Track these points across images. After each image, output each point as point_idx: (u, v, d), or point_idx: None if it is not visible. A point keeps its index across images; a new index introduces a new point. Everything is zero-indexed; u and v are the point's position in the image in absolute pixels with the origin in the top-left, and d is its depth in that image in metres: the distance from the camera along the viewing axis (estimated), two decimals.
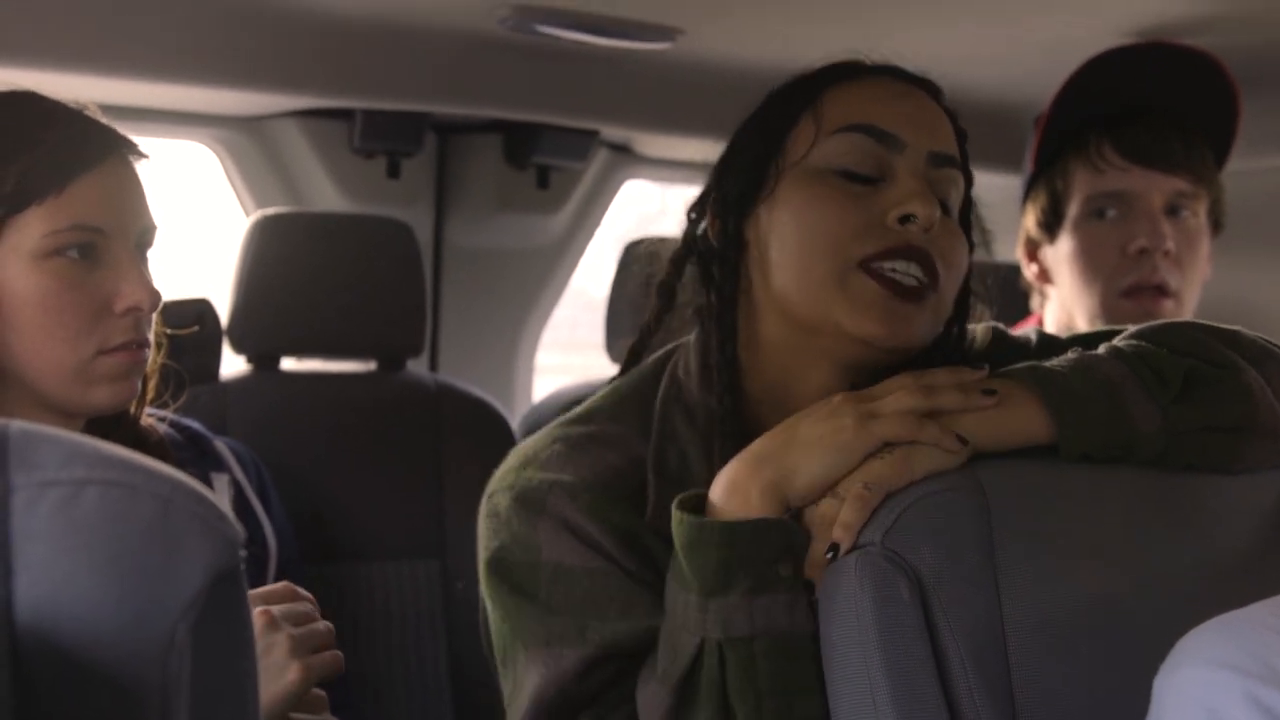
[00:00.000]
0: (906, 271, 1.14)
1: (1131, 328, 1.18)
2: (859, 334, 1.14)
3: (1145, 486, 1.10)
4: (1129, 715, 0.94)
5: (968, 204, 1.24)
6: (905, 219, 1.14)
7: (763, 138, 1.21)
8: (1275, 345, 1.18)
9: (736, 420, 1.18)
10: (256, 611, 1.18)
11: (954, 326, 1.25)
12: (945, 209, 1.18)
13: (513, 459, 1.22)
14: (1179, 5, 1.73)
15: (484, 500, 1.21)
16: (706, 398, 1.20)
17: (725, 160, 1.25)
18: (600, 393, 1.27)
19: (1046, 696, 1.02)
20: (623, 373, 1.30)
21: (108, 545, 0.60)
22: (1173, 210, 1.75)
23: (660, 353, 1.29)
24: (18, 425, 0.63)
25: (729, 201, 1.22)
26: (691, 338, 1.25)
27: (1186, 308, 1.77)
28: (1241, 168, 1.80)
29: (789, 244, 1.17)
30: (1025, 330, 1.33)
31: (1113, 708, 1.00)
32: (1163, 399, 1.09)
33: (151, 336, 1.35)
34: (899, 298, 1.14)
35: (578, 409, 1.25)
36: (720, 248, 1.21)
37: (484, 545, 1.19)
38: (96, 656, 0.61)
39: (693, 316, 1.26)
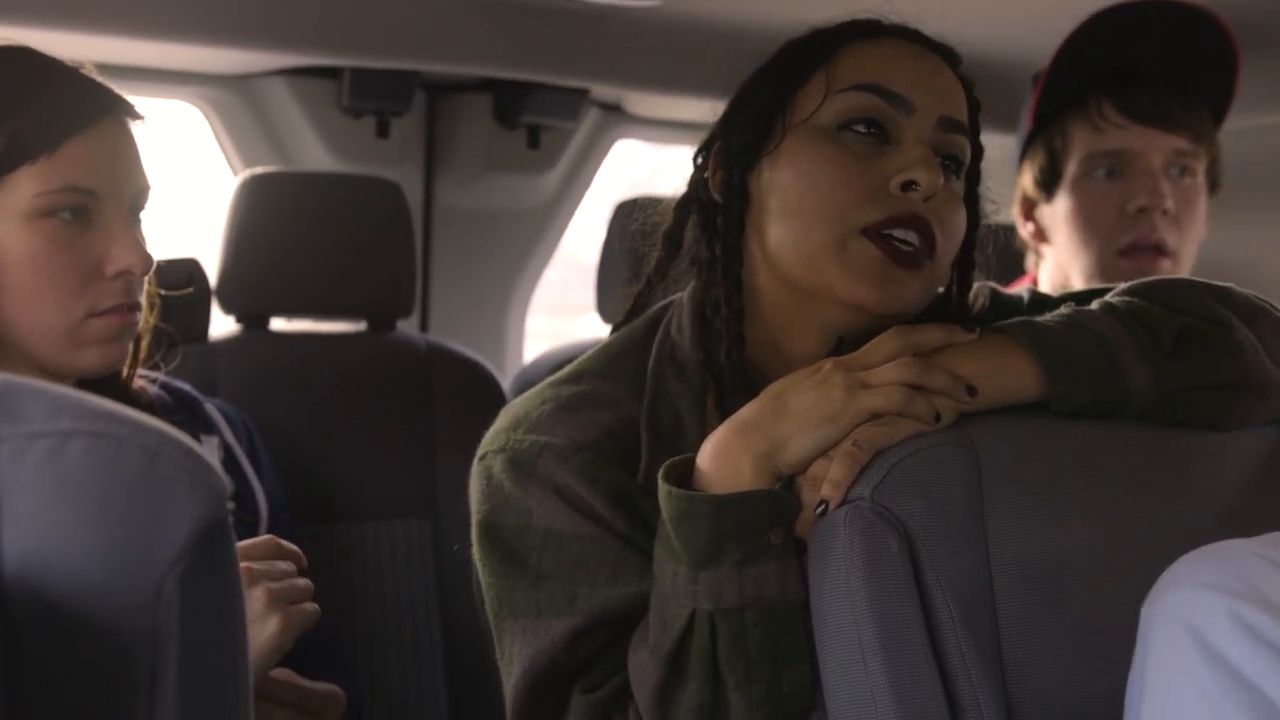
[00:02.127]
0: (905, 239, 1.14)
1: (1124, 285, 1.18)
2: (852, 298, 1.14)
3: (1136, 442, 1.11)
4: (1116, 667, 0.95)
5: (974, 175, 1.23)
6: (907, 185, 1.14)
7: (772, 90, 1.20)
8: (1267, 302, 1.18)
9: (742, 373, 1.18)
10: (240, 568, 1.19)
11: (951, 292, 1.25)
12: (948, 174, 1.18)
13: (503, 420, 1.22)
14: None
15: (475, 462, 1.22)
16: (699, 354, 1.21)
17: (733, 109, 1.24)
18: (591, 351, 1.27)
19: (1034, 650, 1.03)
20: (624, 322, 1.30)
21: (95, 497, 0.61)
22: (1172, 169, 1.75)
23: (652, 310, 1.28)
24: (2, 377, 0.64)
25: (734, 152, 1.21)
26: (685, 295, 1.25)
27: (1184, 267, 1.77)
28: (1239, 126, 1.80)
29: (790, 203, 1.17)
30: (1018, 289, 1.33)
31: (1100, 660, 1.01)
32: (1155, 356, 1.09)
33: (144, 298, 1.35)
34: (895, 263, 1.14)
35: (568, 368, 1.25)
36: (724, 200, 1.21)
37: (476, 508, 1.20)
38: (85, 608, 0.61)
39: (689, 269, 1.25)
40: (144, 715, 0.62)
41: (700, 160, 1.25)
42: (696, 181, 1.25)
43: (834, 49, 1.19)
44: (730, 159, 1.21)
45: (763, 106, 1.20)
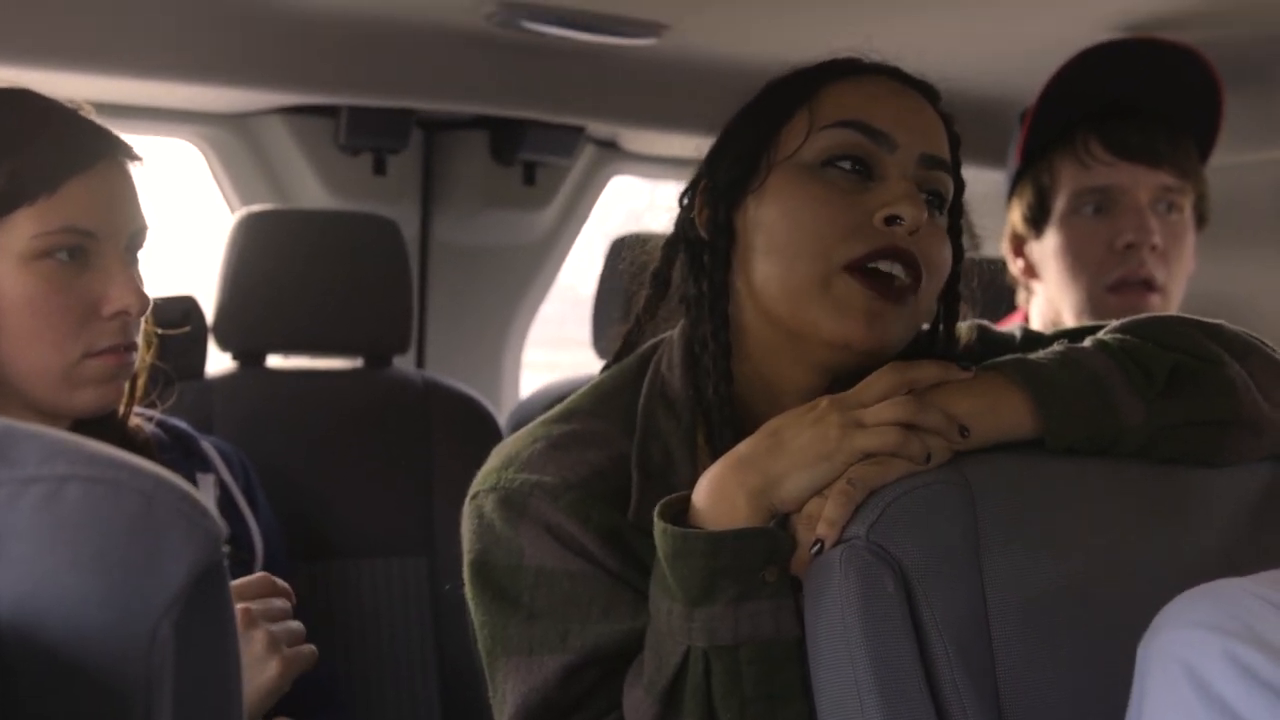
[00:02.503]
0: (890, 270, 1.14)
1: (1116, 322, 1.19)
2: (838, 338, 1.13)
3: (1129, 479, 1.11)
4: (1111, 704, 0.95)
5: (957, 209, 1.23)
6: (891, 220, 1.13)
7: (756, 128, 1.20)
8: (1258, 339, 1.19)
9: (730, 408, 1.17)
10: (238, 609, 1.18)
11: (938, 328, 1.25)
12: (931, 210, 1.18)
13: (494, 459, 1.21)
14: (1163, 1, 1.74)
15: (467, 501, 1.21)
16: (689, 391, 1.20)
17: (718, 148, 1.24)
18: (581, 390, 1.27)
19: (1031, 688, 1.02)
20: (614, 361, 1.30)
21: (90, 541, 0.60)
22: (1159, 205, 1.76)
23: (643, 348, 1.28)
24: (0, 422, 0.63)
25: (720, 190, 1.21)
26: (675, 333, 1.24)
27: (1173, 302, 1.78)
28: (1225, 162, 1.81)
29: (775, 240, 1.17)
30: (1010, 326, 1.33)
31: (1095, 697, 1.01)
32: (1147, 393, 1.10)
33: (140, 337, 1.34)
34: (881, 297, 1.13)
35: (559, 407, 1.25)
36: (711, 237, 1.21)
37: (468, 547, 1.20)
38: (79, 653, 0.61)
39: (678, 307, 1.25)
40: None
41: (686, 200, 1.25)
42: (683, 220, 1.25)
43: (817, 87, 1.19)
44: (716, 196, 1.21)
45: (747, 144, 1.20)
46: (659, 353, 1.25)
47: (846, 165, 1.16)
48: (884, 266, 1.13)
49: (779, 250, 1.16)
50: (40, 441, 0.62)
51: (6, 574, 0.61)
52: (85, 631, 0.61)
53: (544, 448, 1.18)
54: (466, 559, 1.19)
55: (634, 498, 1.16)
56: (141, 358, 1.39)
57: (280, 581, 1.25)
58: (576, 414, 1.22)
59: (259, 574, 1.26)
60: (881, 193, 1.15)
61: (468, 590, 1.20)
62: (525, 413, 2.09)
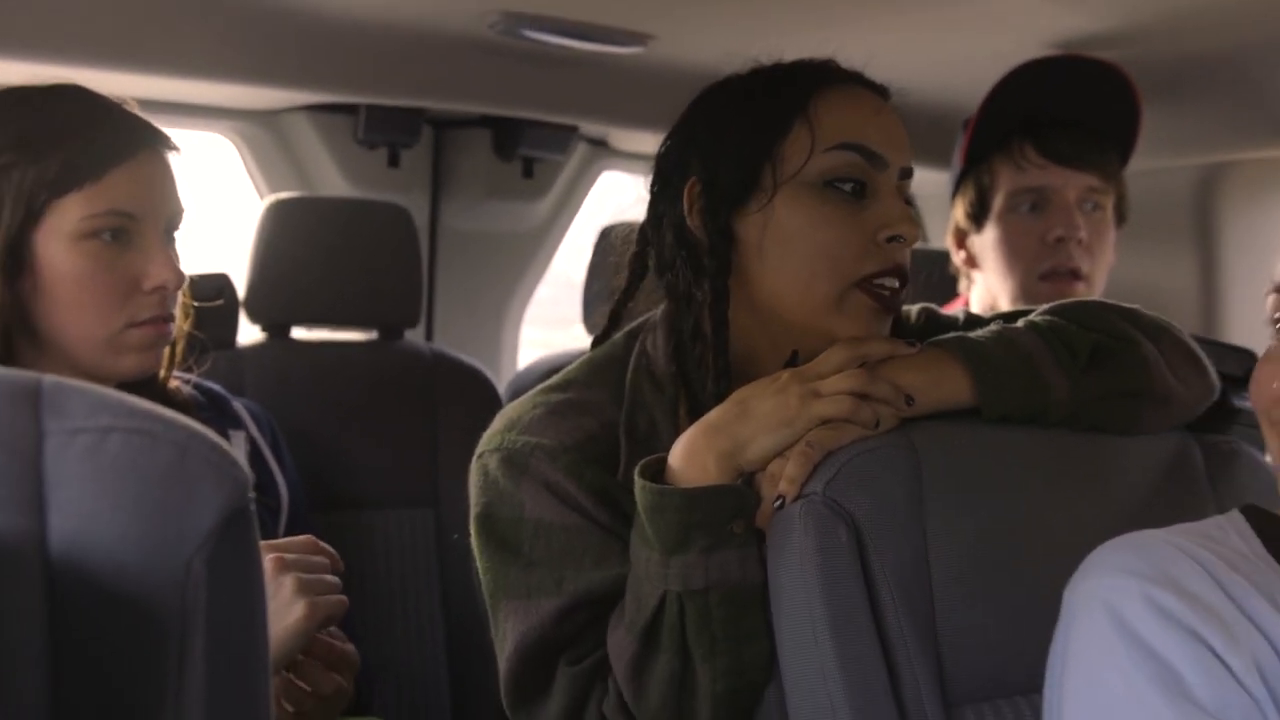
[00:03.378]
0: (894, 287, 1.15)
1: (1045, 306, 1.19)
2: (842, 336, 1.13)
3: (1056, 445, 1.12)
4: (1036, 641, 0.96)
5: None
6: (893, 239, 1.14)
7: (756, 139, 1.16)
8: (1168, 322, 1.19)
9: (723, 397, 1.14)
10: (269, 556, 1.17)
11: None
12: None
13: (499, 422, 1.21)
14: (1091, 22, 1.74)
15: (474, 460, 1.21)
16: (673, 368, 1.20)
17: (710, 147, 1.18)
18: (576, 363, 1.26)
19: (964, 627, 1.04)
20: (599, 339, 1.29)
21: (130, 486, 0.60)
22: (1085, 204, 1.76)
23: (630, 326, 1.27)
24: (50, 378, 0.63)
25: (720, 195, 1.16)
26: (659, 315, 1.23)
27: (1096, 289, 1.78)
28: (1141, 167, 1.82)
29: (794, 257, 1.15)
30: (954, 310, 1.33)
31: (1022, 635, 1.02)
32: (1072, 369, 1.10)
33: (178, 309, 1.34)
34: (883, 309, 1.15)
35: (556, 377, 1.24)
36: (711, 241, 1.16)
37: (474, 501, 1.19)
38: (121, 586, 0.61)
39: (656, 288, 1.23)
40: (173, 683, 0.62)
41: (670, 194, 1.20)
42: (674, 218, 1.19)
43: (807, 97, 1.16)
44: (716, 202, 1.16)
45: (747, 154, 1.16)
46: (644, 332, 1.24)
47: (847, 187, 1.14)
48: (887, 283, 1.14)
49: (798, 266, 1.15)
50: (86, 396, 0.62)
51: (56, 515, 0.60)
52: (127, 566, 0.61)
53: (543, 413, 1.18)
54: (473, 512, 1.19)
55: (622, 460, 1.15)
56: (179, 327, 1.38)
57: (325, 545, 1.23)
58: (572, 384, 1.22)
59: (305, 536, 1.24)
60: (879, 211, 1.14)
61: (473, 540, 1.19)
62: (522, 382, 2.08)
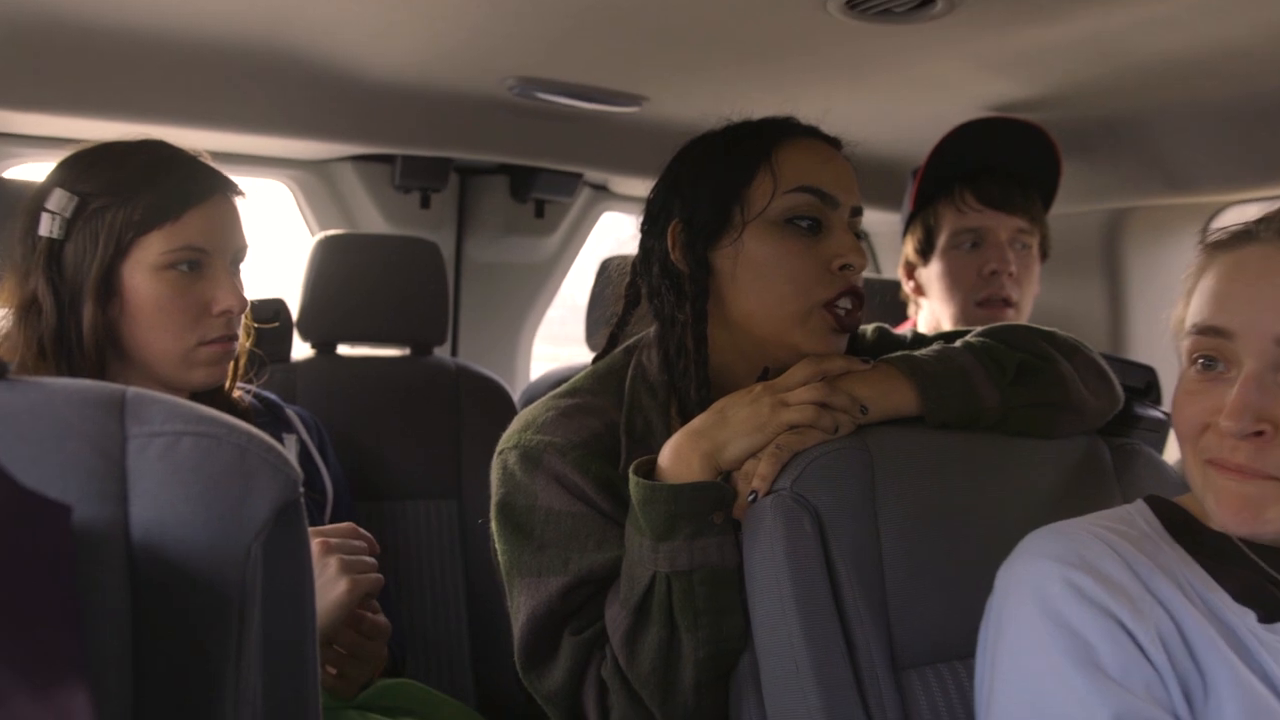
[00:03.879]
0: (848, 308, 1.15)
1: (979, 328, 1.19)
2: (806, 350, 1.14)
3: (988, 447, 1.12)
4: (971, 614, 0.96)
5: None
6: (845, 266, 1.14)
7: (726, 185, 1.17)
8: (1081, 343, 1.20)
9: (706, 403, 1.15)
10: (316, 541, 1.17)
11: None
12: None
13: (517, 424, 1.21)
14: (1018, 89, 1.75)
15: (495, 456, 1.21)
16: (665, 377, 1.20)
17: (689, 192, 1.19)
18: (583, 373, 1.26)
19: (911, 602, 1.04)
20: (602, 354, 1.29)
21: (199, 482, 0.61)
22: (1015, 243, 1.77)
23: (628, 343, 1.27)
24: (133, 390, 0.64)
25: (697, 233, 1.18)
26: (652, 334, 1.23)
27: (1024, 315, 1.78)
28: (1060, 212, 1.82)
29: (763, 284, 1.15)
30: (904, 331, 1.34)
31: (959, 609, 1.02)
32: (1001, 382, 1.11)
33: (241, 330, 1.34)
34: (842, 327, 1.15)
35: (565, 385, 1.24)
36: (691, 271, 1.18)
37: (494, 491, 1.19)
38: (191, 565, 0.61)
39: (648, 312, 1.24)
40: (235, 649, 0.62)
41: (656, 234, 1.21)
42: (660, 254, 1.21)
43: (771, 149, 1.17)
44: (693, 238, 1.18)
45: (719, 198, 1.17)
46: (640, 348, 1.25)
47: (804, 225, 1.15)
48: (843, 304, 1.15)
49: (766, 291, 1.15)
50: (162, 405, 0.63)
51: (137, 506, 0.61)
52: (196, 548, 0.61)
53: (555, 415, 1.18)
54: (493, 501, 1.19)
55: (623, 456, 1.16)
56: (242, 345, 1.38)
57: (363, 531, 1.24)
58: (579, 391, 1.22)
59: (346, 523, 1.24)
60: (832, 244, 1.15)
61: (493, 525, 1.19)
62: (534, 391, 2.08)
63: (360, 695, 1.28)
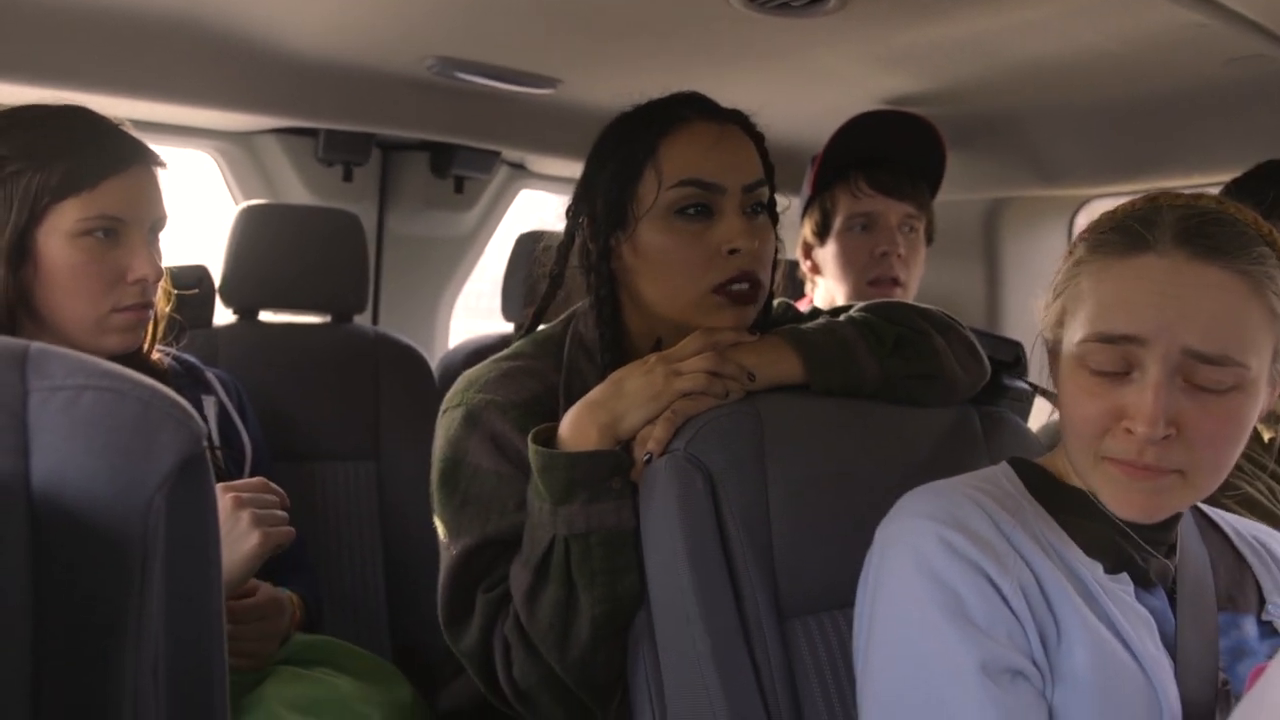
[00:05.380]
0: (742, 288, 1.14)
1: (861, 304, 1.21)
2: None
3: (869, 413, 1.14)
4: (852, 567, 0.98)
5: (772, 202, 1.21)
6: (733, 251, 1.13)
7: (617, 184, 1.16)
8: (955, 319, 1.22)
9: (615, 366, 1.15)
10: (228, 495, 1.15)
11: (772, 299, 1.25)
12: (756, 215, 1.17)
13: (461, 383, 1.19)
14: (907, 85, 1.78)
15: (440, 413, 1.19)
16: (599, 344, 1.19)
17: (589, 185, 1.19)
18: (524, 339, 1.24)
19: (796, 555, 1.05)
20: (526, 332, 1.27)
21: (101, 434, 0.59)
22: (904, 227, 1.79)
23: (566, 314, 1.26)
24: (36, 345, 0.62)
25: (599, 225, 1.17)
26: (586, 304, 1.22)
27: (910, 294, 1.81)
28: (943, 200, 1.86)
29: (656, 273, 1.15)
30: (803, 306, 1.35)
31: (841, 562, 1.04)
32: (880, 353, 1.13)
33: (160, 296, 1.30)
34: (739, 305, 1.14)
35: (508, 349, 1.22)
36: (595, 260, 1.18)
37: (436, 446, 1.17)
38: (93, 517, 0.60)
39: (582, 290, 1.22)
40: (137, 599, 0.61)
41: (574, 228, 1.21)
42: (580, 246, 1.20)
43: (655, 144, 1.15)
44: (597, 229, 1.18)
45: (612, 195, 1.16)
46: (576, 317, 1.24)
47: (691, 212, 1.14)
48: (736, 287, 1.14)
49: (661, 280, 1.15)
50: (65, 360, 0.60)
51: (38, 458, 0.59)
52: (97, 501, 0.59)
53: (498, 376, 1.16)
54: (435, 455, 1.17)
55: (560, 417, 1.14)
56: (160, 310, 1.34)
57: (274, 486, 1.22)
58: (521, 355, 1.20)
59: (257, 478, 1.22)
60: (722, 228, 1.14)
61: (433, 478, 1.16)
62: (451, 359, 2.06)
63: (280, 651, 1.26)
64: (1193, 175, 1.88)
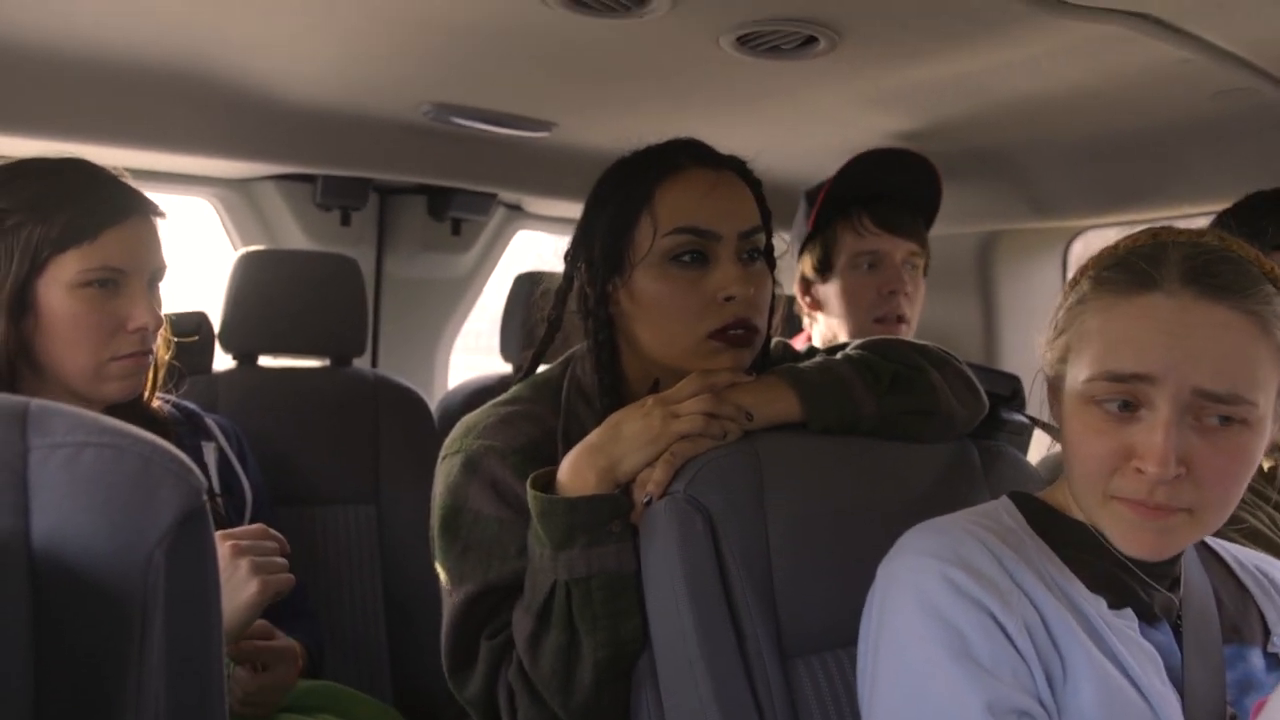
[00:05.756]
0: (738, 333, 1.13)
1: (858, 340, 1.21)
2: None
3: (866, 450, 1.14)
4: (852, 604, 0.97)
5: (769, 248, 1.21)
6: (728, 298, 1.13)
7: (614, 231, 1.16)
8: (951, 355, 1.22)
9: (613, 411, 1.14)
10: (226, 543, 1.15)
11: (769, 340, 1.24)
12: (753, 261, 1.16)
13: (459, 429, 1.18)
14: (898, 123, 1.79)
15: (440, 459, 1.18)
16: (599, 390, 1.19)
17: (587, 231, 1.19)
18: (521, 384, 1.24)
19: (796, 594, 1.05)
20: (525, 375, 1.27)
21: (101, 491, 0.59)
22: (907, 264, 1.78)
23: (564, 357, 1.26)
24: (36, 402, 0.62)
25: (596, 270, 1.17)
26: (584, 348, 1.22)
27: (913, 330, 1.81)
28: (938, 233, 1.86)
29: (652, 319, 1.15)
30: (799, 343, 1.35)
31: (841, 600, 1.03)
32: (877, 391, 1.13)
33: (160, 343, 1.31)
34: (735, 349, 1.13)
35: (506, 394, 1.22)
36: (593, 305, 1.17)
37: (436, 493, 1.17)
38: (93, 573, 0.59)
39: (572, 335, 1.23)
40: (137, 654, 0.60)
41: (573, 272, 1.21)
42: (579, 290, 1.20)
43: (651, 191, 1.14)
44: (594, 275, 1.17)
45: (610, 244, 1.16)
46: (574, 361, 1.23)
47: (687, 259, 1.13)
48: (732, 332, 1.13)
49: (657, 326, 1.15)
50: (65, 417, 0.61)
51: (39, 515, 0.59)
52: (98, 557, 0.59)
53: (496, 421, 1.16)
54: (435, 502, 1.16)
55: (560, 462, 1.13)
56: (160, 358, 1.35)
57: (274, 532, 1.21)
58: (519, 400, 1.20)
59: (256, 524, 1.22)
60: (718, 275, 1.13)
61: (433, 524, 1.16)
62: (450, 400, 2.06)
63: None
64: (1183, 206, 1.89)
